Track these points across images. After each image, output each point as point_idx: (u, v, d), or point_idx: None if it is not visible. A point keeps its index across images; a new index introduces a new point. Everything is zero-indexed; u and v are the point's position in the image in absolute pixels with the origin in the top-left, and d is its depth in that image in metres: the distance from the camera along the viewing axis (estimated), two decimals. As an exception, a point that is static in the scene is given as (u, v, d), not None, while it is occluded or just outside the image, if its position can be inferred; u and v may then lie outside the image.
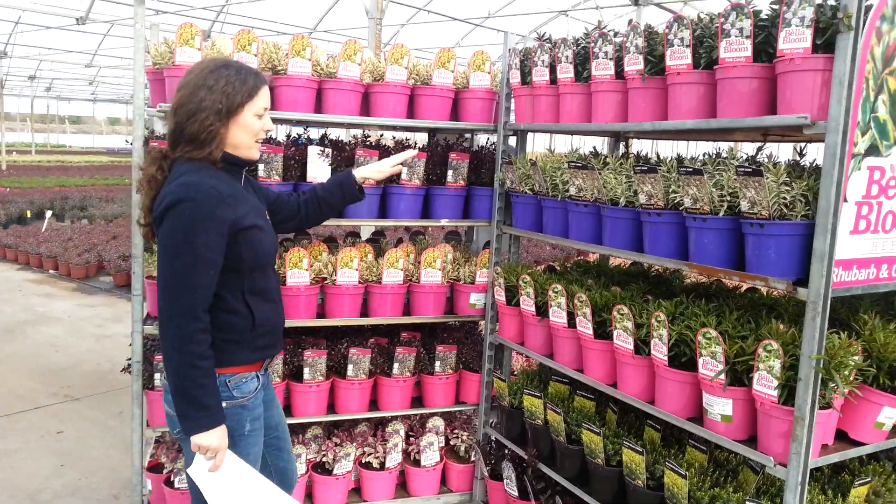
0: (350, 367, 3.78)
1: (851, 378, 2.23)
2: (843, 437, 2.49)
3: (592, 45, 3.03)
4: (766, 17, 2.36)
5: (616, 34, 2.98)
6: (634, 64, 2.84)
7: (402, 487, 4.05)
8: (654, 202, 2.74)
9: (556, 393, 3.62)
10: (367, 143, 3.88)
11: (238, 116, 2.33)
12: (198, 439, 2.28)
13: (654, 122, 2.80)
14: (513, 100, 3.79)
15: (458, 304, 4.01)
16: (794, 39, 2.20)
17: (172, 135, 2.35)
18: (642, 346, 2.84)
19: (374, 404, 3.96)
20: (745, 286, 3.37)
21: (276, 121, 3.49)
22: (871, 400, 2.39)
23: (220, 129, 2.30)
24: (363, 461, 3.93)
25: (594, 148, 3.93)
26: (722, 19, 2.41)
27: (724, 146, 3.09)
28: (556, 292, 3.28)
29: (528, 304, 3.52)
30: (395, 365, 3.86)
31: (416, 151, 3.31)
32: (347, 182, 3.00)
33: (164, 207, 2.24)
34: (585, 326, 3.10)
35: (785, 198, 2.28)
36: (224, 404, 2.36)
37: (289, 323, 3.51)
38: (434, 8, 13.44)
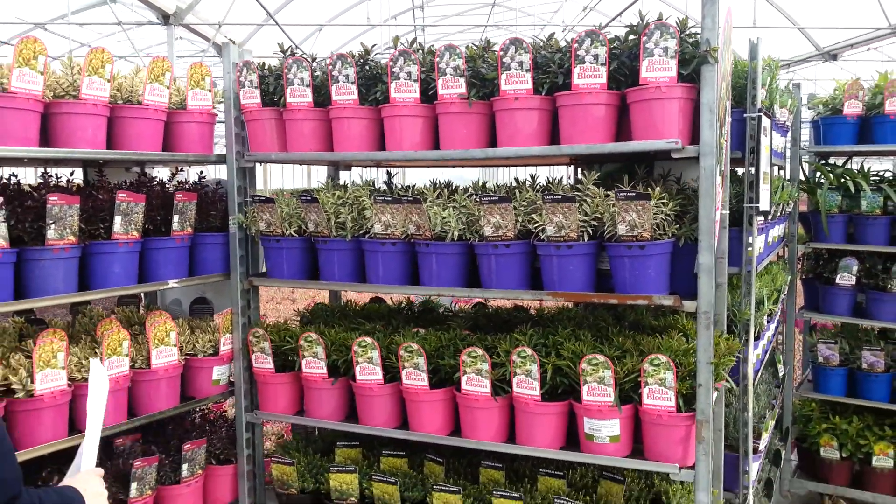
0: (69, 510, 2.59)
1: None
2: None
3: (390, 63, 2.69)
4: (617, 45, 2.44)
5: (417, 51, 2.71)
6: (453, 87, 2.62)
7: None
8: (503, 234, 2.58)
9: (349, 460, 3.13)
10: (58, 184, 2.70)
11: None
12: None
13: (484, 150, 2.64)
14: (243, 125, 3.12)
15: (195, 384, 3.11)
16: (659, 69, 2.33)
17: None
18: (499, 387, 2.66)
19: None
20: (511, 304, 3.46)
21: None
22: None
23: None
24: None
25: (355, 178, 3.51)
26: (576, 45, 2.40)
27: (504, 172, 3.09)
28: (364, 346, 2.83)
29: (316, 367, 2.95)
30: (133, 485, 2.79)
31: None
32: None
33: None
34: (418, 378, 2.75)
35: (660, 218, 2.41)
36: None
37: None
38: None
